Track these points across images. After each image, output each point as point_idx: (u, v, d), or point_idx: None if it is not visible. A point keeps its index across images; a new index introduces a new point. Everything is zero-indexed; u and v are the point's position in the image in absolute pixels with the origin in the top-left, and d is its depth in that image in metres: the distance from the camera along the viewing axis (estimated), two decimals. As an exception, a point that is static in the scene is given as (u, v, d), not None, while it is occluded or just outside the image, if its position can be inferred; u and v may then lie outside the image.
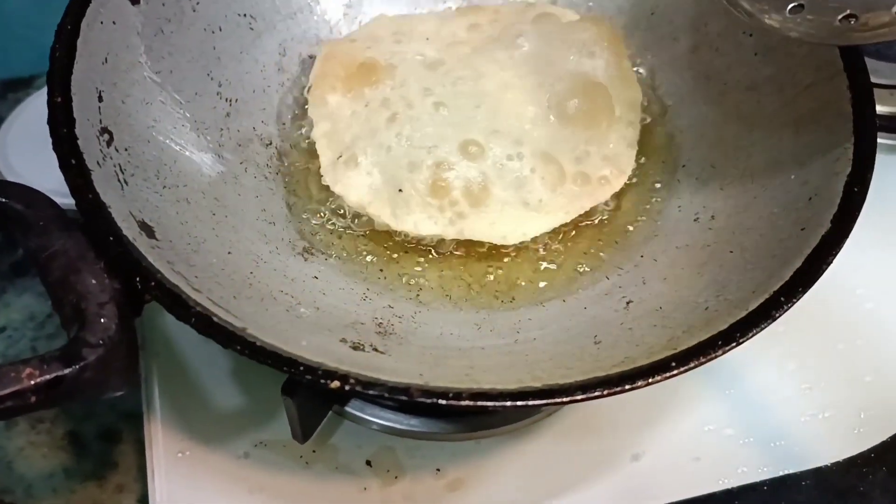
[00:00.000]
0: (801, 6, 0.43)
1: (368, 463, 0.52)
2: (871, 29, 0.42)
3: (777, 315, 0.38)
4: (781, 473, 0.53)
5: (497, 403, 0.34)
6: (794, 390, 0.56)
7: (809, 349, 0.58)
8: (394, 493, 0.51)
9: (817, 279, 0.39)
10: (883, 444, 0.54)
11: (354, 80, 0.55)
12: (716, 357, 0.37)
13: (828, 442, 0.54)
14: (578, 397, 0.35)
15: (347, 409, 0.52)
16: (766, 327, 0.38)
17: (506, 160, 0.51)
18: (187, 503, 0.50)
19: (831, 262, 0.40)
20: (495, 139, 0.52)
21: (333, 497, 0.50)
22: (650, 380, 0.36)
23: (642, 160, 0.55)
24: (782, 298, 0.38)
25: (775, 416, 0.55)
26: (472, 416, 0.52)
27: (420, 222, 0.51)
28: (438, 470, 0.52)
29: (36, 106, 0.76)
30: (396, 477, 0.51)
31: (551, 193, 0.52)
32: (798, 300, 0.38)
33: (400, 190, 0.51)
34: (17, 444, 0.60)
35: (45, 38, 0.45)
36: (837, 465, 0.54)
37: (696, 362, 0.36)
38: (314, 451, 0.52)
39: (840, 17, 0.42)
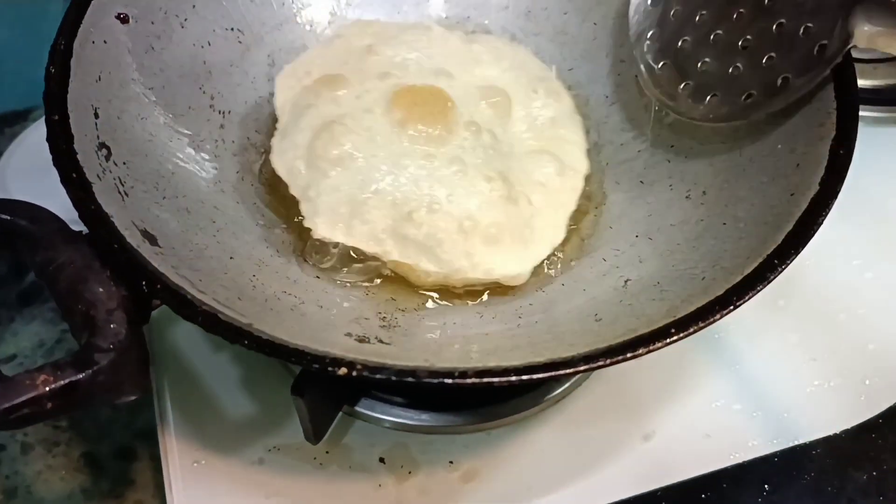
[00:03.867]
0: (715, 94, 0.50)
1: (382, 460, 0.52)
2: (768, 101, 0.48)
3: (772, 277, 0.38)
4: (792, 444, 0.53)
5: (502, 379, 0.35)
6: (799, 362, 0.57)
7: (811, 321, 0.59)
8: (409, 489, 0.51)
9: (809, 240, 0.40)
10: (890, 409, 0.55)
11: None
12: (714, 321, 0.37)
13: (835, 411, 0.55)
14: (581, 368, 0.35)
15: (358, 408, 0.53)
16: (761, 289, 0.38)
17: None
18: (206, 511, 0.50)
19: (821, 222, 0.40)
20: None
21: (349, 496, 0.51)
22: (651, 346, 0.36)
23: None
24: (776, 261, 0.39)
25: (782, 388, 0.56)
26: (481, 407, 0.53)
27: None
28: (451, 462, 0.52)
29: (33, 138, 0.76)
30: (410, 472, 0.52)
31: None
32: (791, 262, 0.39)
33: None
34: (34, 468, 0.60)
35: (39, 71, 0.45)
36: (846, 433, 0.54)
37: (696, 327, 0.37)
38: (327, 452, 0.52)
39: (743, 97, 0.49)
